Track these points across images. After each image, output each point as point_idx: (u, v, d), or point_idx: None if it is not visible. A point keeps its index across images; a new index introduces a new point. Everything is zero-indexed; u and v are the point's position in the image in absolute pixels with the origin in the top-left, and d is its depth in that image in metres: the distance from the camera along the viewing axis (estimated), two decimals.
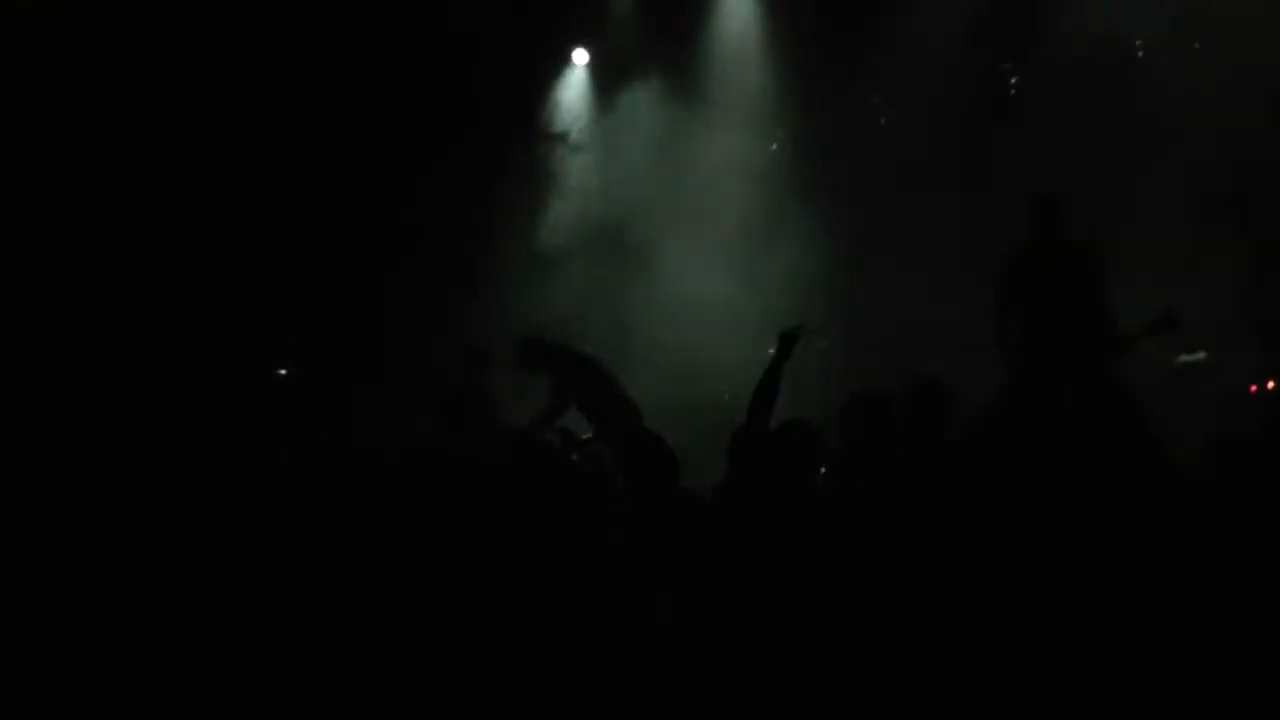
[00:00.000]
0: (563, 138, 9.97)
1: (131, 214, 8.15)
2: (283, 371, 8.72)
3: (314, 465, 4.93)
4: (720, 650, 3.26)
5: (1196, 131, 7.43)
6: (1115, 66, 8.26)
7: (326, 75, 8.73)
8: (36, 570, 3.88)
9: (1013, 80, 9.06)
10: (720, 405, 8.28)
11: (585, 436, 6.23)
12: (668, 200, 9.25)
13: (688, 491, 4.93)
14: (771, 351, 4.49)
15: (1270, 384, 6.45)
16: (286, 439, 7.46)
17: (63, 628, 3.60)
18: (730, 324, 8.26)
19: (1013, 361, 5.51)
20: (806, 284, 8.35)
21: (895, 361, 7.37)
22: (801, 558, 3.46)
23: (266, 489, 4.55)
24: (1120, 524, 3.48)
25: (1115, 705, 2.94)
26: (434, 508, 3.93)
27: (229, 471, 5.12)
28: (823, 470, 4.15)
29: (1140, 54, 8.38)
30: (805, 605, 3.31)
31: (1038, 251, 5.55)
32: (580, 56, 9.99)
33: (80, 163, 7.98)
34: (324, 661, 3.37)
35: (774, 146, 9.48)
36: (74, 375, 7.47)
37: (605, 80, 9.88)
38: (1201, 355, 5.77)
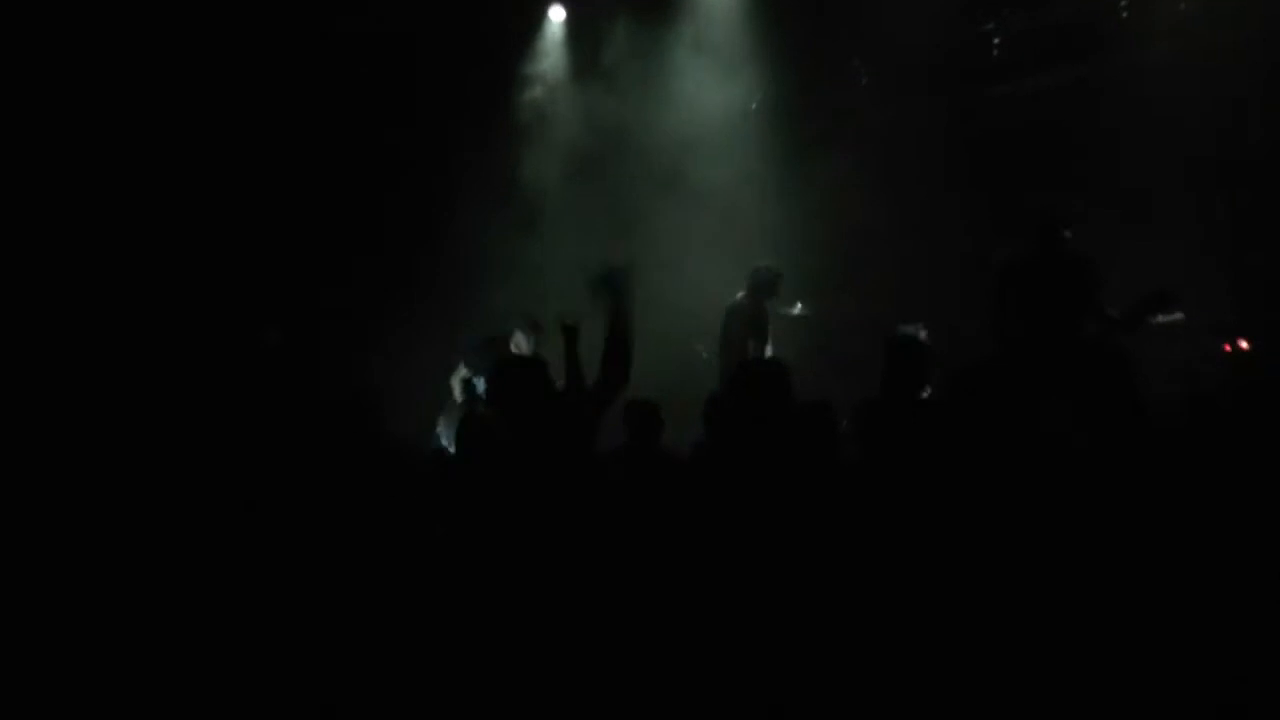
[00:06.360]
0: (540, 97, 9.89)
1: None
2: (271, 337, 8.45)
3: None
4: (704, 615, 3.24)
5: (1177, 96, 7.42)
6: (1095, 28, 8.24)
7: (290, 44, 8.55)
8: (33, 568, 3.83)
9: (995, 41, 9.01)
10: (698, 364, 8.30)
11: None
12: (647, 159, 9.18)
13: (668, 450, 4.96)
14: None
15: (1243, 343, 6.50)
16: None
17: (61, 626, 3.57)
18: (710, 282, 8.22)
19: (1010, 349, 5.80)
20: (787, 244, 8.32)
21: (884, 320, 7.41)
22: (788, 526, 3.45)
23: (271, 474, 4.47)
24: (1098, 485, 3.50)
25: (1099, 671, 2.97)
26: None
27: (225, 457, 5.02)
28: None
29: (1125, 14, 8.35)
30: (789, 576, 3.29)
31: (1037, 261, 5.93)
32: (557, 13, 9.90)
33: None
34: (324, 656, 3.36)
35: (754, 105, 9.40)
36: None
37: (582, 37, 9.78)
38: (1179, 315, 5.80)
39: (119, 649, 3.50)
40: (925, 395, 4.55)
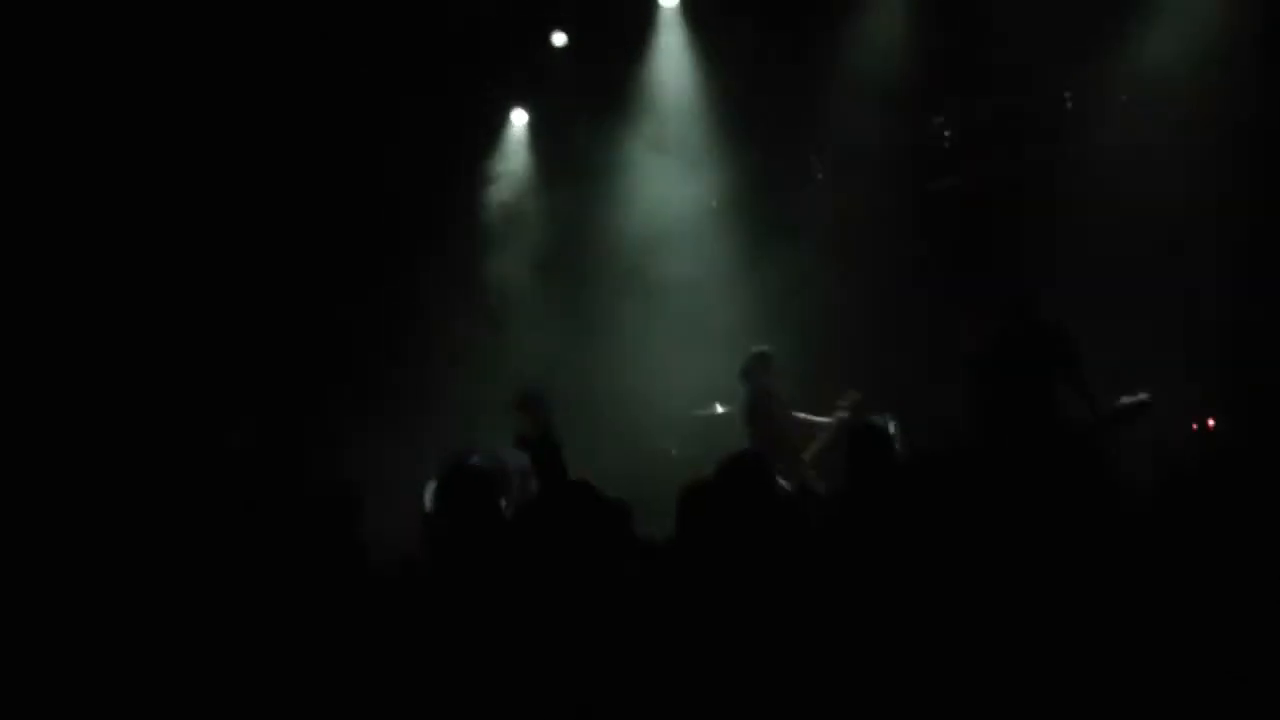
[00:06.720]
0: (505, 198, 9.97)
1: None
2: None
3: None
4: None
5: (1126, 176, 7.59)
6: (1046, 116, 8.46)
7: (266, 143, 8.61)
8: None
9: (946, 133, 9.22)
10: (668, 462, 8.21)
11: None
12: (610, 257, 9.24)
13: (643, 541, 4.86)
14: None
15: (1210, 422, 6.52)
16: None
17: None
18: (677, 380, 8.21)
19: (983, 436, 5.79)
20: (750, 338, 8.33)
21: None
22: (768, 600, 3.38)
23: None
24: (1073, 570, 3.46)
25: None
26: None
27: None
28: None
29: (1069, 105, 8.58)
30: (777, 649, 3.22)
31: (1006, 345, 5.94)
32: (519, 116, 10.04)
33: None
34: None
35: (714, 202, 9.51)
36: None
37: (544, 139, 9.91)
38: (1143, 396, 5.81)
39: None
40: (894, 485, 4.50)
